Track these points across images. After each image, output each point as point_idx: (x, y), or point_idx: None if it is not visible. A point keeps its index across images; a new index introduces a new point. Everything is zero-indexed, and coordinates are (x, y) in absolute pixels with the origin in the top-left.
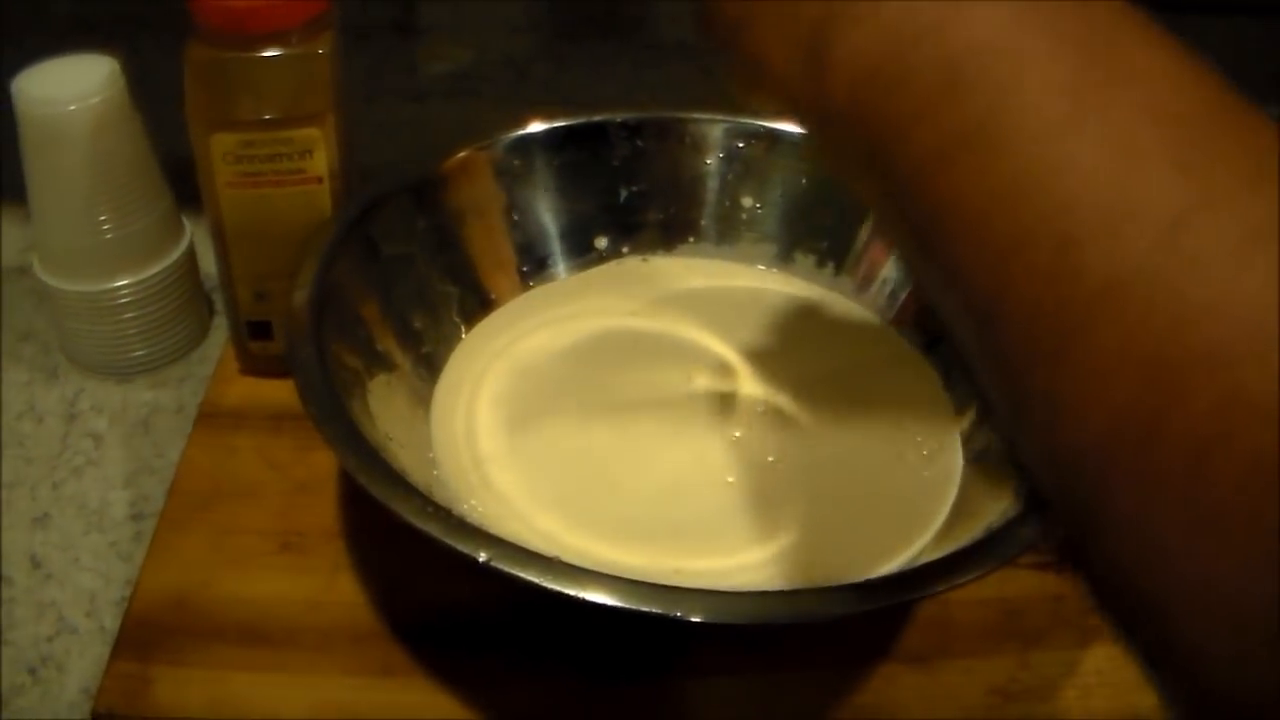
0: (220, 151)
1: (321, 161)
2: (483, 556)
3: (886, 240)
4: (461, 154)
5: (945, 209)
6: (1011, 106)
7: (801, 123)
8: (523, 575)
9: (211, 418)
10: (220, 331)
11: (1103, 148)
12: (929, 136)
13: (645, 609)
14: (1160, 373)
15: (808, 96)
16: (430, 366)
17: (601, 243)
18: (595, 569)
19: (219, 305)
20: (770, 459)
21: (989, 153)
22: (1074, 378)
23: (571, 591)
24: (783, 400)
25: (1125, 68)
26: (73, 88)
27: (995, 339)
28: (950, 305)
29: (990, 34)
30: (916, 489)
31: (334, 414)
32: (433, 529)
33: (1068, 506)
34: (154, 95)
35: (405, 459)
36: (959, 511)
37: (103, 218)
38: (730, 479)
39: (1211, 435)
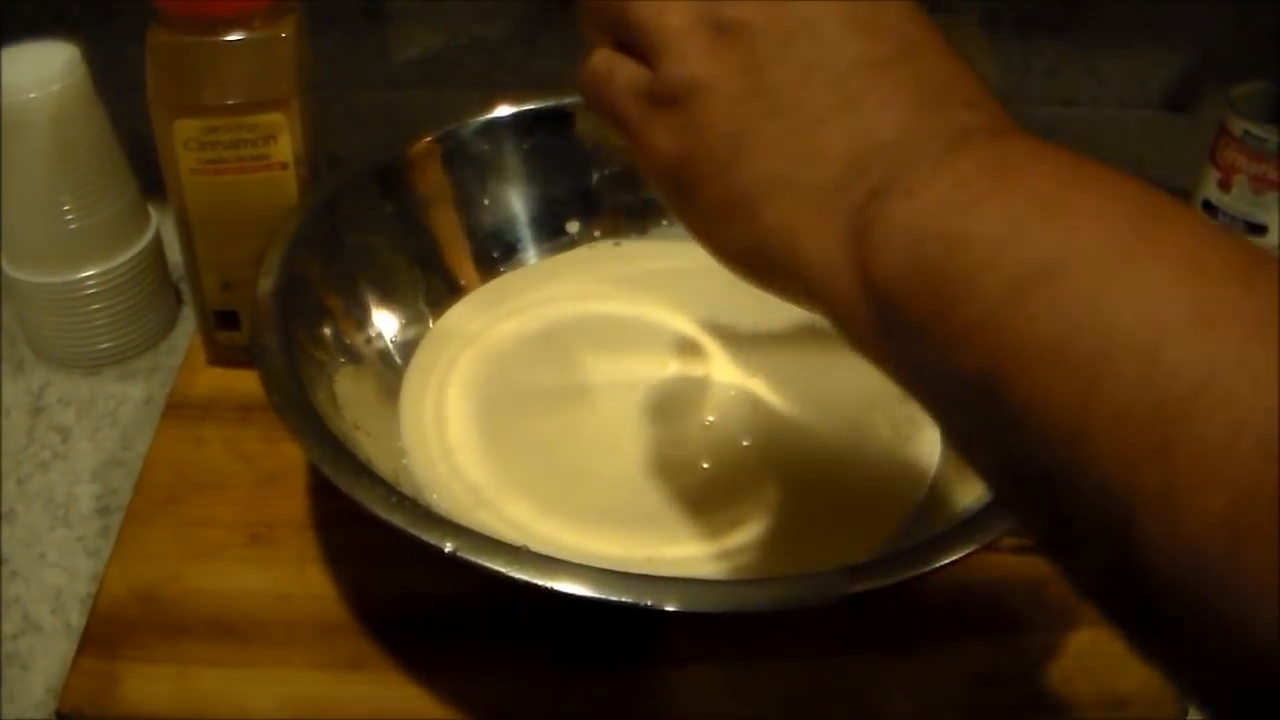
0: (183, 138)
1: (286, 147)
2: (449, 547)
3: (928, 409)
4: (429, 139)
5: (1021, 343)
6: (1081, 241)
7: (824, 304)
8: (489, 565)
9: (179, 409)
10: (188, 322)
11: (1172, 266)
12: (995, 283)
13: (615, 598)
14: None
15: (842, 272)
16: (399, 354)
17: (573, 226)
18: (564, 558)
19: (187, 295)
20: (744, 443)
21: (1063, 283)
22: (1188, 464)
23: (539, 581)
24: (756, 384)
25: (1167, 211)
26: (32, 75)
27: (1085, 456)
28: (1021, 446)
29: (1046, 185)
30: (892, 471)
31: (298, 403)
32: (397, 519)
33: (1176, 596)
34: (120, 82)
35: (372, 448)
36: (935, 493)
37: (66, 207)
38: (704, 465)
39: None
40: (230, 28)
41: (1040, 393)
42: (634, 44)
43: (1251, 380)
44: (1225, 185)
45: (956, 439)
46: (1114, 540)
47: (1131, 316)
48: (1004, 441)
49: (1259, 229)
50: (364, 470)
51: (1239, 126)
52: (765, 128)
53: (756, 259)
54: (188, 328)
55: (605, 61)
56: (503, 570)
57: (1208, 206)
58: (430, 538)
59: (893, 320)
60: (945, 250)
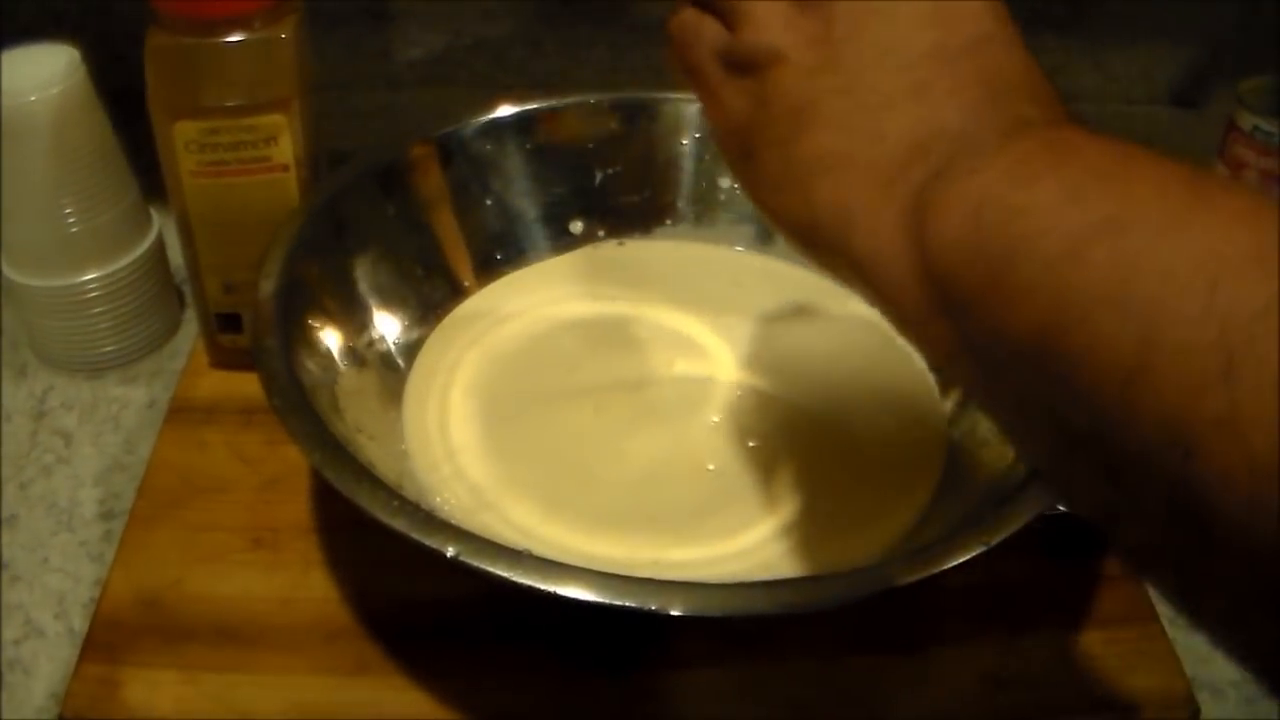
0: (183, 140)
1: (287, 149)
2: (450, 551)
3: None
4: (432, 139)
5: (1080, 294)
6: (1138, 201)
7: (872, 283)
8: (492, 570)
9: (182, 413)
10: (192, 325)
11: (1227, 218)
12: (1055, 243)
13: (620, 603)
14: None
15: (897, 251)
16: (401, 356)
17: (577, 226)
18: (568, 562)
19: (190, 298)
20: (751, 444)
21: (1122, 237)
22: (1253, 387)
23: (542, 586)
24: (762, 383)
25: (1219, 180)
26: (32, 78)
27: (1144, 394)
28: (1075, 400)
29: (1104, 160)
30: (900, 472)
31: (299, 407)
32: (399, 524)
33: (1238, 528)
34: (121, 84)
35: (375, 452)
36: (943, 493)
37: (67, 210)
38: (710, 466)
39: None
40: (230, 29)
41: (1100, 338)
42: (719, 6)
43: None
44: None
45: (1003, 412)
46: (1170, 479)
47: (1190, 258)
48: (1056, 399)
49: None
50: (365, 474)
51: (1248, 121)
52: (832, 104)
53: (809, 232)
54: (190, 331)
55: (694, 19)
56: (505, 575)
57: None
58: (432, 542)
59: (948, 293)
60: (1005, 218)
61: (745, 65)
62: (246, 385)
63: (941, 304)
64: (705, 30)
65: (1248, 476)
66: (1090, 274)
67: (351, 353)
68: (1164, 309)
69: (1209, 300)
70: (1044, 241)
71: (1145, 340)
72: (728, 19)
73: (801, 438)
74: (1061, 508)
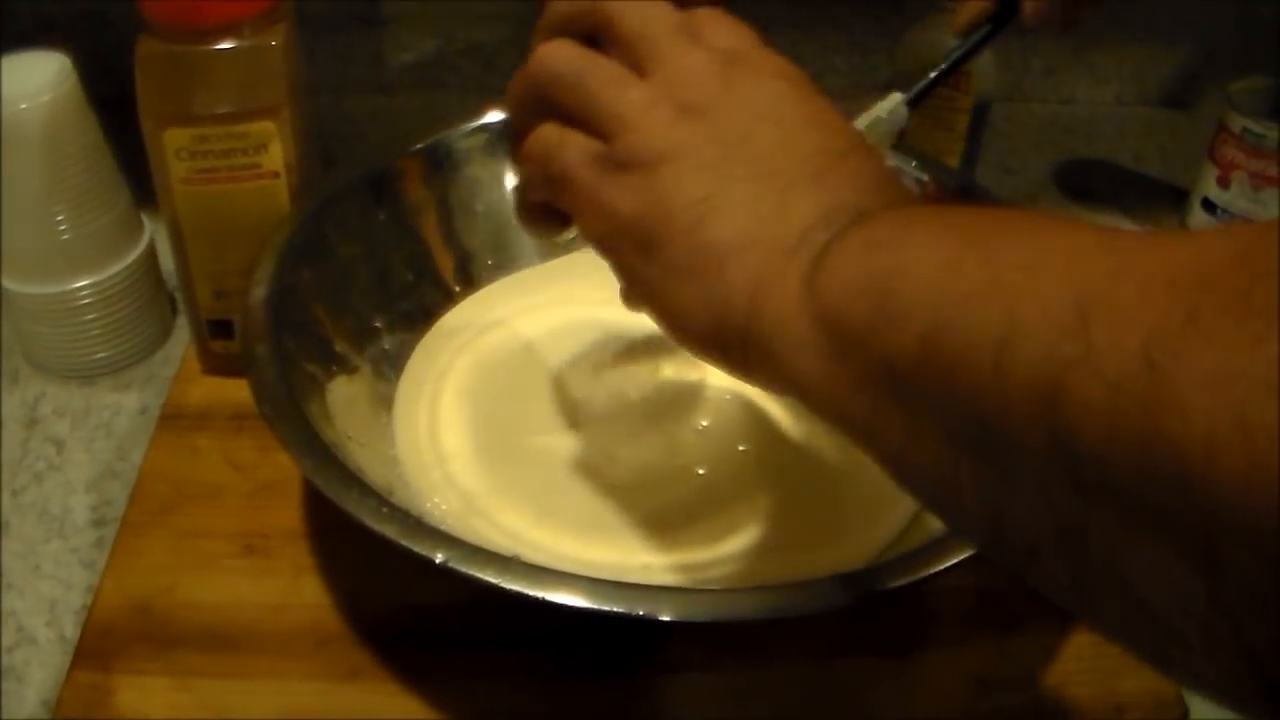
0: (174, 147)
1: (277, 156)
2: (439, 557)
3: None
4: (421, 144)
5: (951, 299)
6: (1006, 223)
7: (776, 358)
8: (480, 576)
9: (174, 419)
10: (184, 331)
11: (1075, 226)
12: (934, 262)
13: (608, 608)
14: None
15: (800, 309)
16: (392, 362)
17: (568, 232)
18: (557, 568)
19: (181, 304)
20: (740, 449)
21: (991, 247)
22: (1107, 320)
23: (531, 592)
24: (751, 389)
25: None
26: (23, 85)
27: (1011, 360)
28: (958, 397)
29: (980, 211)
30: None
31: (289, 414)
32: (388, 530)
33: (1110, 452)
34: (113, 92)
35: (364, 458)
36: None
37: (59, 217)
38: (700, 471)
39: None
40: (220, 37)
41: (972, 326)
42: (585, 120)
43: (1158, 259)
44: (1224, 182)
45: (894, 448)
46: (1043, 433)
47: (1049, 251)
48: (941, 402)
49: None
50: (355, 480)
51: (1238, 123)
52: (738, 192)
53: (715, 317)
54: (183, 337)
55: (555, 132)
56: (494, 581)
57: (1207, 204)
58: (421, 548)
59: (843, 332)
60: (890, 250)
61: (634, 164)
62: (238, 391)
63: (836, 348)
64: (571, 140)
65: (1106, 402)
66: (962, 279)
67: (342, 359)
68: (1026, 290)
69: (1064, 274)
70: (922, 262)
71: (1009, 317)
72: (600, 128)
73: (791, 442)
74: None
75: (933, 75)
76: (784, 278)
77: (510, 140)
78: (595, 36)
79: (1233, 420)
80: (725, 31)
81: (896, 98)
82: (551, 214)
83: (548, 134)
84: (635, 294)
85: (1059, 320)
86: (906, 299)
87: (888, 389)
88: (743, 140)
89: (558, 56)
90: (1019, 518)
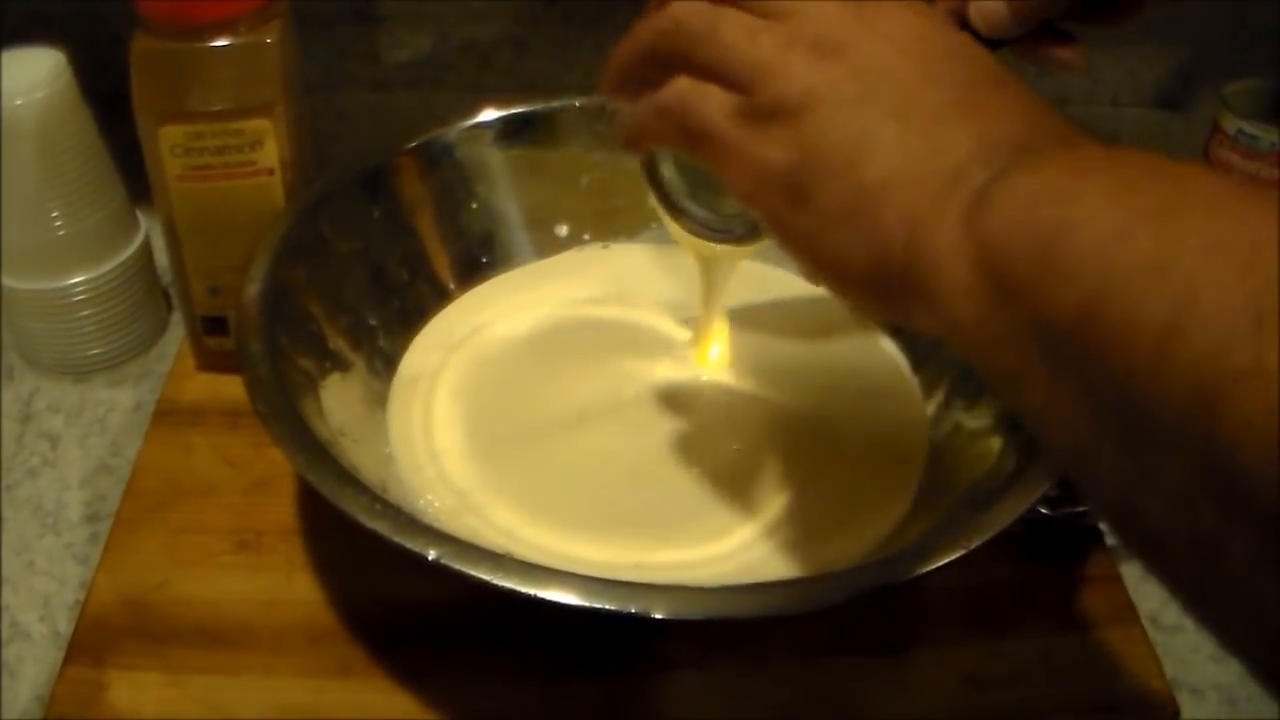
0: (169, 144)
1: (272, 152)
2: (432, 554)
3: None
4: (416, 142)
5: (1126, 266)
6: (1189, 190)
7: (934, 297)
8: (473, 573)
9: (168, 415)
10: (178, 328)
11: (1268, 206)
12: (1108, 222)
13: (601, 606)
14: None
15: (959, 248)
16: (386, 360)
17: (562, 230)
18: (550, 565)
19: (176, 301)
20: (735, 447)
21: (1172, 217)
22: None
23: (523, 589)
24: (746, 386)
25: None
26: (18, 81)
27: (1178, 354)
28: (1111, 370)
29: (1156, 163)
30: (883, 475)
31: (283, 410)
32: (380, 527)
33: (1268, 476)
34: (108, 88)
35: (358, 455)
36: (925, 496)
37: (54, 214)
38: (694, 469)
39: None
40: (215, 34)
41: (1139, 304)
42: (722, 73)
43: None
44: None
45: (1040, 403)
46: (1196, 437)
47: (1231, 236)
48: (1092, 374)
49: None
50: (348, 477)
51: (1233, 124)
52: (887, 128)
53: (874, 260)
54: (177, 334)
55: (693, 87)
56: (486, 578)
57: None
58: (413, 545)
59: (1000, 279)
60: (1060, 203)
61: (779, 113)
62: (233, 388)
63: (994, 295)
64: (710, 94)
65: (1270, 425)
66: (1136, 250)
67: (336, 356)
68: (1202, 277)
69: (1244, 271)
70: (1095, 223)
71: (1182, 303)
72: (736, 80)
73: (785, 441)
74: (1045, 510)
75: None
76: (942, 216)
77: (619, 93)
78: None
79: None
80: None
81: None
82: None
83: (684, 88)
84: (790, 245)
85: (1234, 322)
86: (1074, 258)
87: (1041, 347)
88: (884, 75)
89: (689, 10)
90: (1153, 515)
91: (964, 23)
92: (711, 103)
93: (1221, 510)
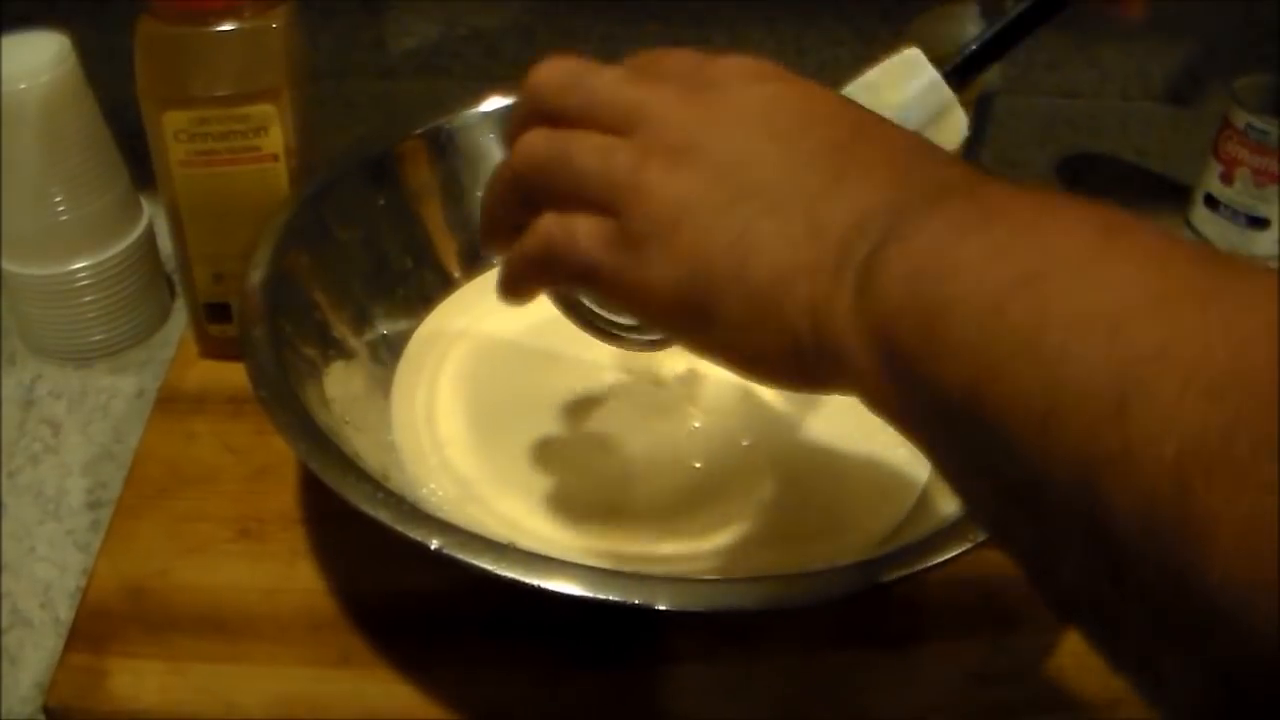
0: (173, 129)
1: (277, 138)
2: (434, 544)
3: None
4: (421, 130)
5: (1001, 345)
6: (1055, 251)
7: (847, 372)
8: (475, 563)
9: (170, 402)
10: (181, 314)
11: (1137, 262)
12: (981, 299)
13: (604, 597)
14: None
15: (856, 326)
16: (390, 347)
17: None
18: (553, 555)
19: (179, 287)
20: (745, 443)
21: (1038, 287)
22: (1142, 420)
23: (526, 579)
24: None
25: (1132, 222)
26: (21, 65)
27: (1053, 438)
28: (1002, 450)
29: (1026, 214)
30: (887, 470)
31: (285, 397)
32: (383, 515)
33: (1137, 555)
34: (113, 73)
35: (361, 442)
36: (930, 491)
37: (57, 199)
38: (697, 464)
39: None
40: (220, 18)
41: (1017, 387)
42: (583, 199)
43: (1203, 344)
44: (1228, 178)
45: (952, 471)
46: (1083, 516)
47: (1096, 307)
48: (991, 454)
49: (1260, 222)
50: (351, 465)
51: (1241, 119)
52: (763, 224)
53: (789, 353)
54: (180, 320)
55: (557, 223)
56: (489, 568)
57: (1210, 200)
58: (416, 534)
59: (894, 358)
60: (937, 279)
61: (653, 233)
62: (235, 375)
63: (891, 372)
64: (578, 226)
65: (1141, 510)
66: (1009, 326)
67: (340, 344)
68: (1068, 355)
69: (1109, 345)
70: (970, 300)
71: (1052, 386)
72: (603, 203)
73: (792, 433)
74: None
75: (968, 53)
76: (837, 298)
77: (497, 245)
78: (563, 120)
79: (1266, 581)
80: (678, 58)
81: (927, 74)
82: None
83: (549, 228)
84: (706, 355)
85: (1100, 402)
86: (953, 339)
87: (941, 421)
88: (747, 167)
89: (537, 143)
90: (1063, 580)
91: None
92: (581, 238)
93: (1116, 587)
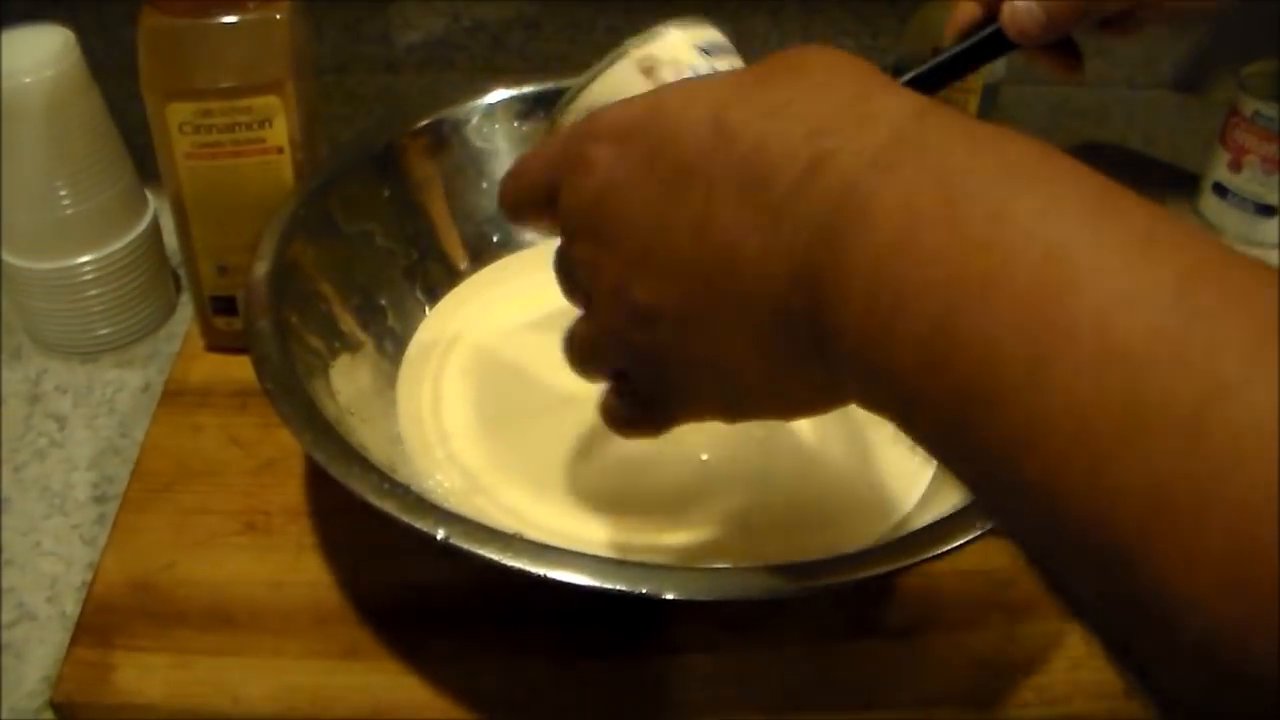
0: (177, 121)
1: (281, 131)
2: (441, 534)
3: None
4: (426, 122)
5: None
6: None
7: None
8: (482, 553)
9: (176, 396)
10: (187, 308)
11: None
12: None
13: (611, 586)
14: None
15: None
16: (396, 339)
17: None
18: (560, 546)
19: (185, 280)
20: (753, 430)
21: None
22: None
23: (533, 569)
24: None
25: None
26: (26, 59)
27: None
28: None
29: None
30: (894, 459)
31: (291, 389)
32: (389, 506)
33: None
34: (119, 65)
35: (367, 434)
36: (939, 481)
37: (62, 193)
38: (704, 456)
39: None
40: (224, 10)
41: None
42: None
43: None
44: (1236, 166)
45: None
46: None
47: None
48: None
49: (1268, 210)
50: (356, 457)
51: (1249, 106)
52: (719, 334)
53: (821, 397)
54: (186, 314)
55: (607, 406)
56: (495, 558)
57: (1218, 188)
58: (422, 525)
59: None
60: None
61: (654, 397)
62: (241, 368)
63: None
64: (607, 409)
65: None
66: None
67: (345, 336)
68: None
69: None
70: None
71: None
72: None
73: (798, 428)
74: None
75: (911, 74)
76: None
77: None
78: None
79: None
80: (572, 209)
81: None
82: None
83: (604, 407)
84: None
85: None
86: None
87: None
88: (692, 306)
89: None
90: (1073, 593)
91: (990, 18)
92: (611, 412)
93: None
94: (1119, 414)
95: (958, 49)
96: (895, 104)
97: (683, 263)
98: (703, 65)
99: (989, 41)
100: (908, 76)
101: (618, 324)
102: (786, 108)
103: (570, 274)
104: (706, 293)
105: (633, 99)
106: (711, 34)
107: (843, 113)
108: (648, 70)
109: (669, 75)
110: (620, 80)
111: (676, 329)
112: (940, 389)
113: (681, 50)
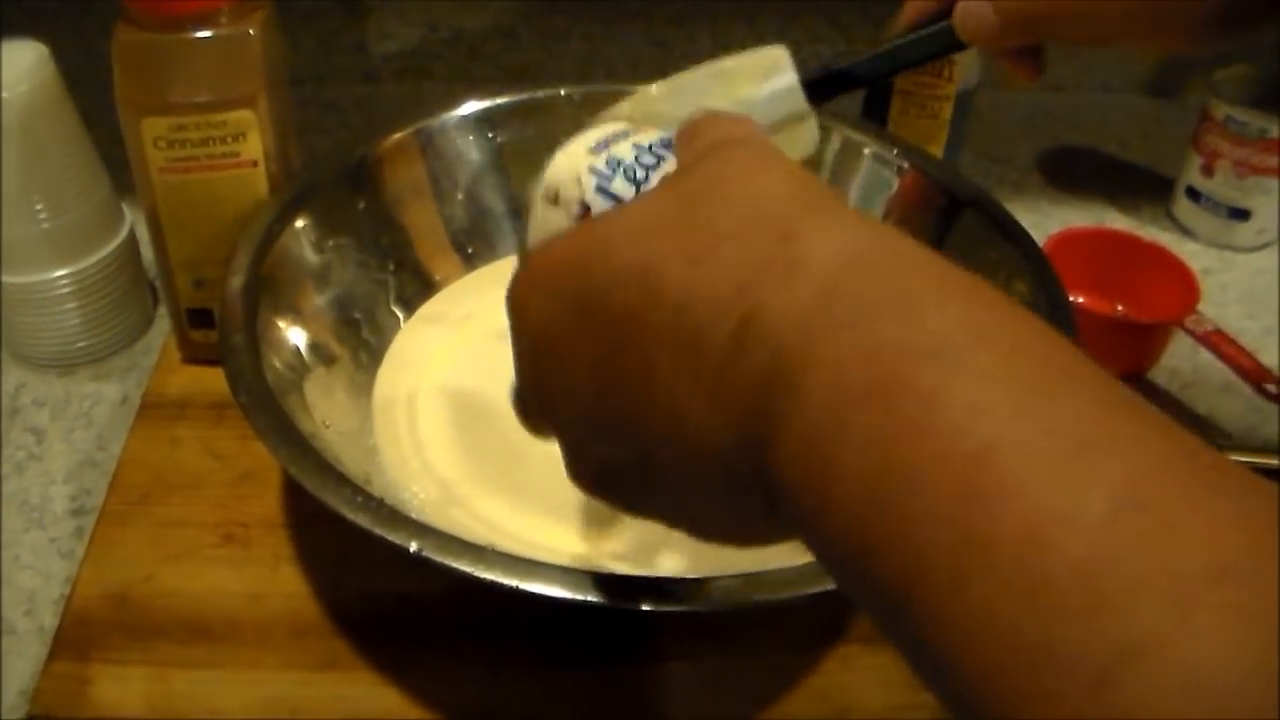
0: (151, 136)
1: (256, 144)
2: (413, 547)
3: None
4: (401, 133)
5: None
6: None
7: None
8: (455, 565)
9: (154, 408)
10: (164, 321)
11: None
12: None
13: (584, 598)
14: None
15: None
16: (371, 351)
17: None
18: (534, 557)
19: (162, 294)
20: None
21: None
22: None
23: (506, 581)
24: None
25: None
26: (1, 74)
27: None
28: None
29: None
30: None
31: (265, 403)
32: (362, 519)
33: None
34: (95, 80)
35: (343, 447)
36: None
37: (38, 207)
38: None
39: None
40: (197, 25)
41: None
42: None
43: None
44: (1208, 170)
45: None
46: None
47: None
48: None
49: (1241, 214)
50: (331, 470)
51: (1221, 111)
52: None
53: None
54: (163, 327)
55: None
56: (469, 570)
57: (1191, 192)
58: (395, 538)
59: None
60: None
61: (634, 498)
62: (218, 381)
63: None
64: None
65: None
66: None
67: (320, 348)
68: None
69: None
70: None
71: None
72: None
73: None
74: None
75: (835, 68)
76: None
77: None
78: None
79: None
80: (517, 356)
81: (787, 78)
82: None
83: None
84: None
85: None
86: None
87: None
88: (638, 443)
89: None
90: None
91: (943, 14)
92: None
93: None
94: (1030, 656)
95: (901, 40)
96: (824, 248)
97: (632, 425)
98: (604, 168)
99: (937, 37)
100: (844, 65)
101: (584, 466)
102: (711, 253)
103: (529, 416)
104: (662, 453)
105: (554, 242)
106: (609, 127)
107: (770, 261)
108: (553, 199)
109: (573, 197)
110: (539, 220)
111: (642, 479)
112: (873, 575)
113: (577, 163)
